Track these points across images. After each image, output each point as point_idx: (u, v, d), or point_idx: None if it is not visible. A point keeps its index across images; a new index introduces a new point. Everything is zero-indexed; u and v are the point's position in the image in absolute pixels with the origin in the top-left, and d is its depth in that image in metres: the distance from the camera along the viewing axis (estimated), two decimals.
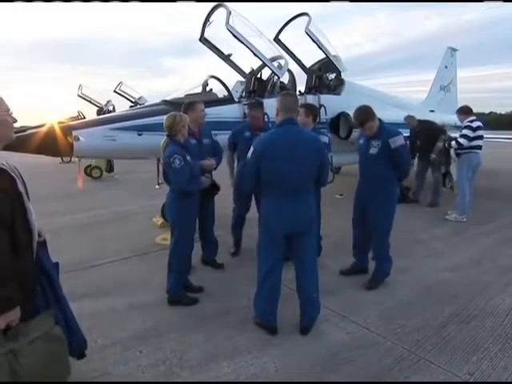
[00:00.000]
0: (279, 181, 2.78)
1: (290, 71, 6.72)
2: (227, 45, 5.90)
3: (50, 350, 1.85)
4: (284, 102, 2.91)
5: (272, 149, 2.77)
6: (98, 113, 12.78)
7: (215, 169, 4.17)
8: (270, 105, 3.95)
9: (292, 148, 2.76)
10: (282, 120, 2.85)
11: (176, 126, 3.26)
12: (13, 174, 1.78)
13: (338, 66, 6.92)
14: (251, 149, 2.85)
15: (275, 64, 6.01)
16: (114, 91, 13.42)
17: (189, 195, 3.31)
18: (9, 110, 1.83)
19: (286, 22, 6.55)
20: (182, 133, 3.30)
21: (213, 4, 5.45)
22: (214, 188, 3.80)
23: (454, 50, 12.46)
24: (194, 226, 3.58)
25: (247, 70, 6.16)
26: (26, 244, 1.82)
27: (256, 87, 6.11)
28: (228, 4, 5.29)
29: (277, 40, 6.50)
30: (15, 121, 1.86)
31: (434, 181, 7.35)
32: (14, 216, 1.73)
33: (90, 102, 14.12)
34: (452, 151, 6.56)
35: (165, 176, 3.36)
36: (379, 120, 3.62)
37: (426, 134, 7.11)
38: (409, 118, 7.49)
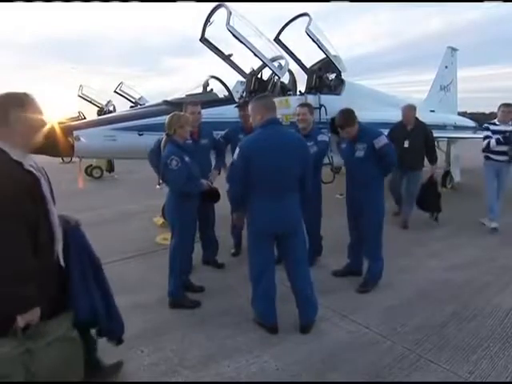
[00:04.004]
0: (266, 181, 2.78)
1: (290, 71, 6.73)
2: (228, 45, 5.92)
3: (65, 353, 1.84)
4: (263, 102, 2.90)
5: (259, 149, 2.77)
6: (99, 113, 12.77)
7: (219, 173, 4.20)
8: None
9: (279, 148, 2.76)
10: (266, 120, 2.83)
11: (173, 125, 3.25)
12: (38, 174, 1.78)
13: (338, 66, 6.91)
14: (237, 150, 2.83)
15: (275, 64, 6.02)
16: (115, 91, 13.42)
17: (188, 197, 3.28)
18: (42, 113, 1.85)
19: (286, 22, 6.56)
20: (180, 133, 3.28)
21: (214, 4, 5.47)
22: (214, 196, 3.57)
23: (454, 49, 12.43)
24: (194, 228, 3.56)
25: (248, 70, 6.18)
26: (48, 245, 1.82)
27: (256, 87, 6.12)
28: (228, 4, 5.30)
29: (277, 40, 6.50)
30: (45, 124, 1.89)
31: (410, 193, 5.68)
32: (37, 217, 1.73)
33: (90, 102, 14.11)
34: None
35: (162, 176, 3.34)
36: (358, 123, 3.61)
37: (420, 138, 5.51)
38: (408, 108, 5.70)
